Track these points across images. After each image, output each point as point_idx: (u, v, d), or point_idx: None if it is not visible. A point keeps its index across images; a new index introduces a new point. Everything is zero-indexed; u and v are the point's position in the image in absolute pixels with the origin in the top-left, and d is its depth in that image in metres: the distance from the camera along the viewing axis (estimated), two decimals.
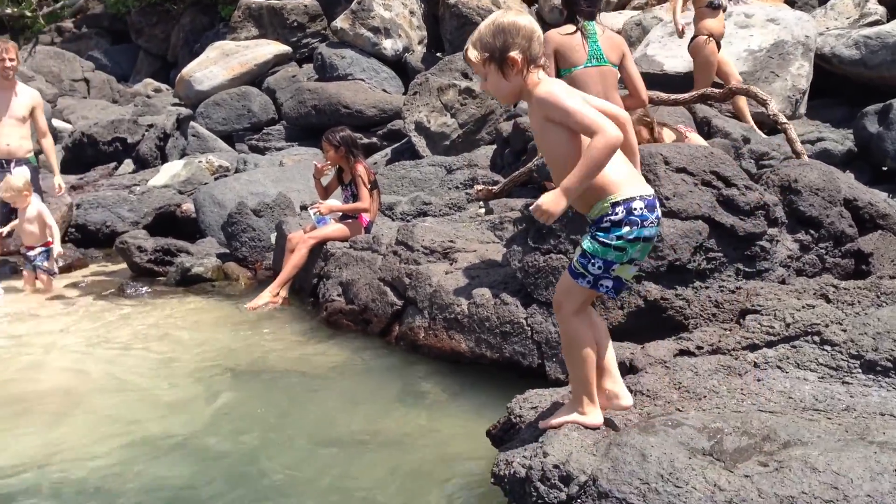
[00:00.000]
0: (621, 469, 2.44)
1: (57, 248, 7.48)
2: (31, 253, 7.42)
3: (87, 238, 9.18)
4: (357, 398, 4.57)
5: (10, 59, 7.65)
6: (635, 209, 2.73)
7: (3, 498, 3.43)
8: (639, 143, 3.61)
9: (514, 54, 2.79)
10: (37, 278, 7.47)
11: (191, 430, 4.12)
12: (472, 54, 2.86)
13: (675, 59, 9.25)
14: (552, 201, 2.64)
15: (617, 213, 2.73)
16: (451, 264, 5.46)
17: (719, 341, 3.52)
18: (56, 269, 7.59)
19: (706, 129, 7.68)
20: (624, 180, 2.77)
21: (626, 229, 2.72)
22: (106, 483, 3.55)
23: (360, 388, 4.78)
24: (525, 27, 2.81)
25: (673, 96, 6.95)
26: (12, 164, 7.62)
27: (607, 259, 2.75)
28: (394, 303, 5.60)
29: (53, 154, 8.11)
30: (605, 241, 2.74)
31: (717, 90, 7.09)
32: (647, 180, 3.32)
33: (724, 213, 4.30)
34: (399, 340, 5.45)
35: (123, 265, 8.20)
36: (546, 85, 2.83)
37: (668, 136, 5.99)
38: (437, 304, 5.09)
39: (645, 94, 5.38)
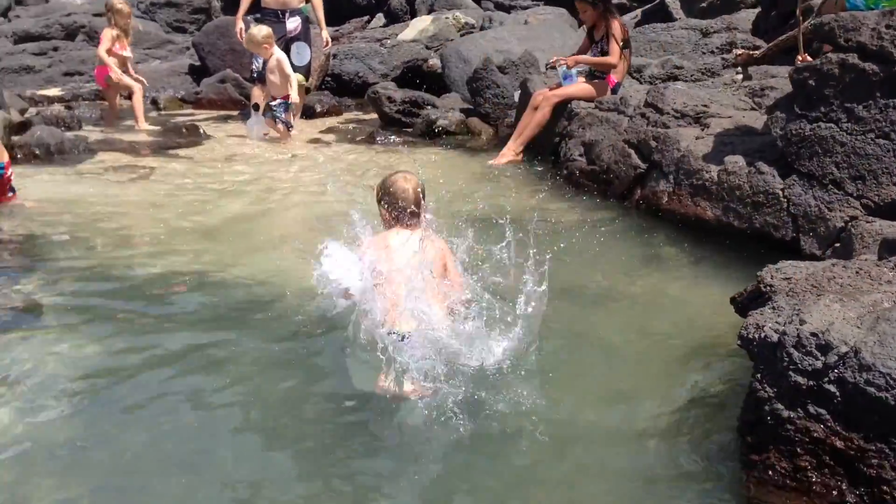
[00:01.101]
0: (889, 344, 2.28)
1: (294, 97, 7.67)
2: (273, 103, 7.72)
3: (341, 87, 9.65)
4: (595, 257, 4.57)
5: None
6: None
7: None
8: None
9: None
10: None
11: None
12: None
13: None
14: None
15: None
16: (703, 129, 5.21)
17: None
18: (293, 122, 7.83)
19: None
20: None
21: None
22: None
23: (599, 247, 4.76)
24: None
25: None
26: (286, 14, 8.04)
27: None
28: (637, 166, 5.47)
29: (321, 8, 8.42)
30: None
31: None
32: None
33: None
34: (640, 204, 5.35)
35: (373, 114, 8.58)
36: None
37: None
38: (684, 170, 4.91)
39: None
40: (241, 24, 8.18)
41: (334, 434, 2.80)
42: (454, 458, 2.68)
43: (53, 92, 9.28)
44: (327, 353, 3.35)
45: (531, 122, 6.67)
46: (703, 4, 9.49)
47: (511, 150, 6.67)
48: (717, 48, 7.89)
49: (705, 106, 5.49)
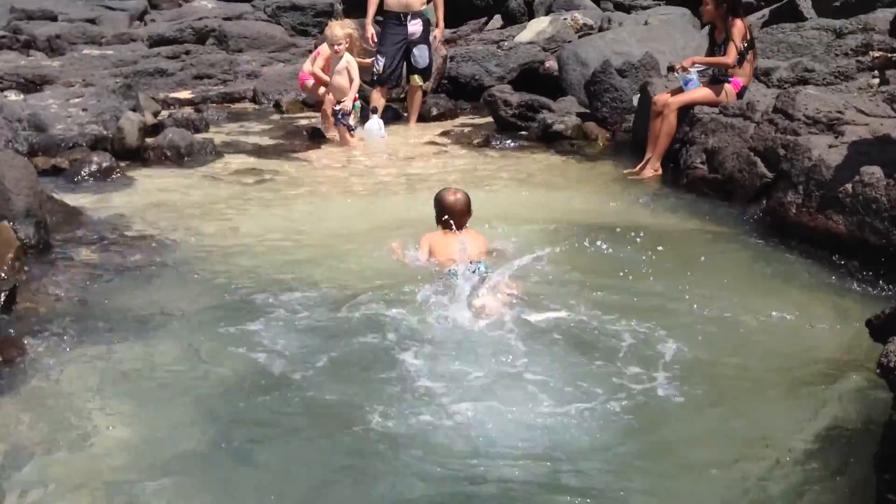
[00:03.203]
0: None
1: (347, 103, 7.51)
2: (337, 107, 7.59)
3: (457, 90, 9.68)
4: (716, 271, 4.41)
5: None
6: None
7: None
8: None
9: None
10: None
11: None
12: None
13: None
14: None
15: None
16: (837, 137, 4.95)
17: None
18: (354, 125, 7.66)
19: None
20: None
21: None
22: None
23: (720, 261, 4.60)
24: None
25: None
26: (409, 17, 8.11)
27: None
28: (763, 175, 5.26)
29: (441, 7, 8.47)
30: None
31: None
32: None
33: None
34: (765, 215, 5.14)
35: (489, 118, 8.57)
36: None
37: None
38: (816, 180, 4.68)
39: None
40: (371, 29, 8.31)
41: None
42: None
43: (184, 95, 9.69)
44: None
45: (661, 133, 6.44)
46: (837, 3, 9.02)
47: (650, 168, 6.46)
48: (851, 50, 7.48)
49: (839, 112, 5.21)
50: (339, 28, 7.62)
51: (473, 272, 4.03)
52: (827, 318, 3.74)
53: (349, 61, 7.60)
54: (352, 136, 7.62)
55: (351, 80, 7.60)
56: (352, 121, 7.63)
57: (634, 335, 3.53)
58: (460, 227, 4.36)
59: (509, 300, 3.91)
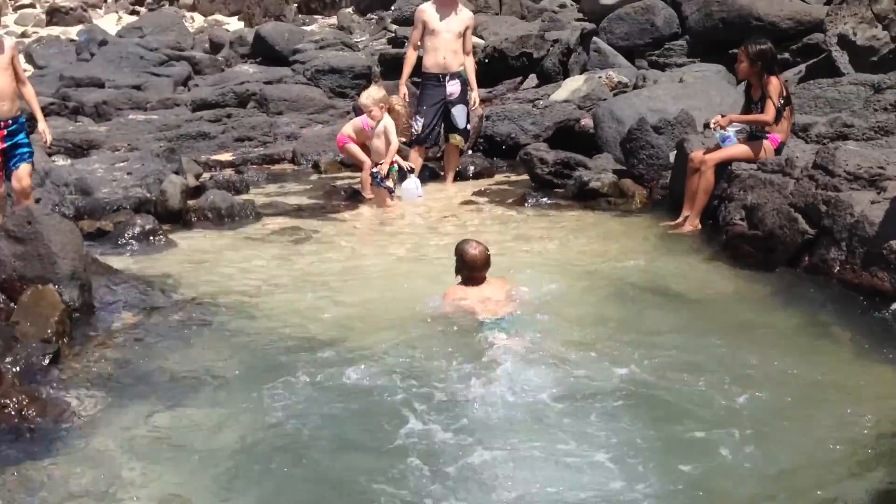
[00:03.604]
0: None
1: (384, 166, 7.59)
2: (374, 169, 7.66)
3: (493, 148, 9.75)
4: (759, 330, 4.34)
5: None
6: None
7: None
8: None
9: None
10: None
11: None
12: None
13: None
14: None
15: None
16: (879, 193, 4.88)
17: None
18: (393, 186, 7.73)
19: None
20: None
21: None
22: None
23: (762, 319, 4.54)
24: None
25: None
26: (447, 78, 8.24)
27: None
28: (805, 231, 5.19)
29: (473, 70, 8.53)
30: None
31: None
32: None
33: None
34: (807, 272, 5.07)
35: (525, 175, 8.60)
36: None
37: None
38: (859, 237, 4.61)
39: None
40: (404, 89, 8.45)
41: None
42: None
43: (225, 157, 9.89)
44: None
45: (699, 190, 6.39)
46: (874, 58, 8.98)
47: (689, 224, 6.42)
48: (890, 105, 7.42)
49: (881, 168, 5.15)
50: (374, 93, 7.76)
51: (501, 327, 4.20)
52: (875, 379, 3.66)
53: (387, 125, 7.70)
54: (390, 197, 7.69)
55: (388, 143, 7.69)
56: (390, 182, 7.71)
57: (682, 395, 3.48)
58: (481, 280, 4.53)
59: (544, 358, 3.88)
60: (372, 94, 7.80)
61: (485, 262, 4.52)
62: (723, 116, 6.54)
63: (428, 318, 4.47)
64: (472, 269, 4.51)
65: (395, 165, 7.84)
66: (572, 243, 6.28)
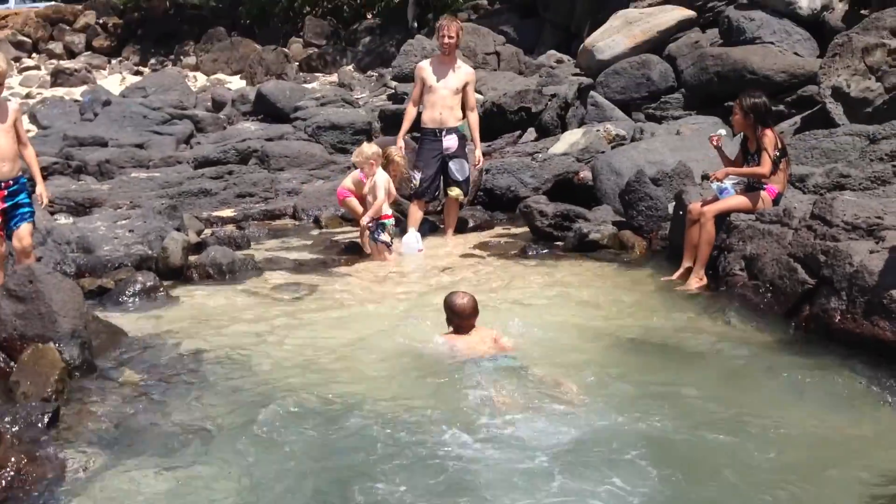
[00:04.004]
0: None
1: (365, 219, 7.61)
2: (370, 224, 7.67)
3: (493, 201, 9.81)
4: (761, 381, 4.33)
5: (450, 37, 8.33)
6: None
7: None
8: None
9: None
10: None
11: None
12: None
13: None
14: None
15: None
16: (878, 243, 4.90)
17: None
18: (391, 241, 7.74)
19: None
20: None
21: None
22: None
23: (764, 371, 4.52)
24: None
25: None
26: (443, 133, 8.33)
27: None
28: (805, 281, 5.20)
29: (476, 128, 8.61)
30: None
31: None
32: None
33: None
34: (808, 322, 5.06)
35: (525, 228, 8.64)
36: None
37: None
38: (859, 286, 4.62)
39: None
40: (401, 142, 8.54)
41: None
42: None
43: (227, 213, 9.95)
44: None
45: (700, 243, 6.39)
46: (868, 109, 9.09)
47: (695, 278, 6.39)
48: (886, 155, 7.49)
49: (879, 217, 5.18)
50: (365, 149, 7.84)
51: (498, 367, 4.40)
52: (878, 430, 3.63)
53: (377, 181, 7.73)
54: (389, 251, 7.72)
55: (374, 199, 7.66)
56: (385, 237, 7.72)
57: (695, 448, 3.44)
58: (470, 328, 4.81)
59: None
60: (363, 151, 7.89)
61: (473, 310, 4.81)
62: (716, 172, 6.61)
63: (423, 367, 4.50)
64: (461, 318, 4.79)
65: (392, 220, 7.87)
66: (573, 295, 6.27)
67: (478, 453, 3.52)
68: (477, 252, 7.94)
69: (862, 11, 11.43)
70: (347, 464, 3.53)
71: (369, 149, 7.89)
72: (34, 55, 25.63)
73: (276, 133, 14.00)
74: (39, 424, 3.90)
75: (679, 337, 5.17)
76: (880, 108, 9.07)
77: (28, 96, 20.16)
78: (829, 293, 4.87)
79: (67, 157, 12.55)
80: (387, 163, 7.99)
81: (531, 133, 12.33)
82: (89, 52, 25.75)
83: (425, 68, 8.38)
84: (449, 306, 4.86)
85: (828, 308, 4.80)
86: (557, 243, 8.05)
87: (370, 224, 7.70)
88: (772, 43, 11.58)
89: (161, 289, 6.38)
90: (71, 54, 25.70)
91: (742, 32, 11.83)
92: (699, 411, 3.91)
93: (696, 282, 6.37)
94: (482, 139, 9.11)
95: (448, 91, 8.29)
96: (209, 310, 6.07)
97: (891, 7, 9.70)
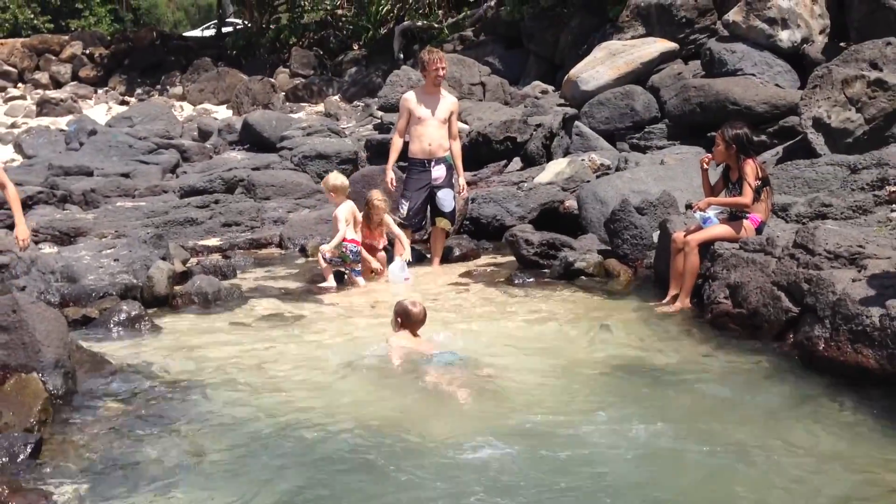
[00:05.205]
0: None
1: (327, 247, 7.70)
2: (327, 254, 7.74)
3: (479, 230, 9.85)
4: (745, 408, 4.34)
5: (442, 69, 8.43)
6: None
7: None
8: None
9: None
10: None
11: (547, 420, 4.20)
12: None
13: None
14: None
15: None
16: (860, 271, 4.96)
17: None
18: (359, 268, 7.82)
19: None
20: None
21: None
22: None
23: (748, 397, 4.53)
24: None
25: None
26: (432, 163, 8.39)
27: None
28: (788, 309, 5.24)
29: (459, 157, 8.70)
30: None
31: None
32: None
33: None
34: (792, 350, 5.09)
35: (511, 257, 8.67)
36: None
37: None
38: (842, 314, 4.66)
39: None
40: (391, 174, 8.57)
41: None
42: None
43: (212, 242, 9.93)
44: None
45: (686, 272, 6.44)
46: (849, 140, 9.22)
47: (680, 304, 6.44)
48: (867, 185, 7.59)
49: (860, 246, 5.24)
50: (331, 179, 7.93)
51: (449, 362, 5.07)
52: (862, 456, 3.64)
53: (337, 213, 7.77)
54: (356, 278, 7.77)
55: (335, 231, 7.71)
56: (355, 266, 7.77)
57: (676, 476, 3.44)
58: (415, 334, 5.46)
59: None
60: (329, 180, 7.97)
61: (424, 319, 5.47)
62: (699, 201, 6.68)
63: (396, 394, 4.53)
64: (415, 324, 5.43)
65: (356, 246, 7.84)
66: (558, 323, 6.29)
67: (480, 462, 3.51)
68: (463, 280, 7.95)
69: (841, 44, 11.62)
70: (337, 493, 3.51)
71: (335, 179, 7.97)
72: (20, 85, 25.66)
73: (262, 162, 14.02)
74: (22, 455, 3.86)
75: (664, 364, 5.18)
76: (860, 139, 9.20)
77: (13, 126, 20.13)
78: (812, 321, 4.91)
79: (52, 187, 12.51)
80: (368, 209, 8.00)
81: (517, 162, 12.41)
82: (75, 82, 25.80)
83: (411, 99, 8.44)
84: (405, 313, 5.46)
85: (812, 336, 4.84)
86: (543, 272, 8.07)
87: (330, 258, 7.73)
88: (753, 75, 11.75)
89: (146, 318, 6.35)
90: (57, 84, 25.73)
91: (724, 64, 12.00)
92: (683, 439, 3.91)
93: (680, 307, 6.41)
94: (468, 168, 9.18)
95: (436, 122, 8.36)
96: (194, 339, 6.04)
97: (869, 40, 9.87)
